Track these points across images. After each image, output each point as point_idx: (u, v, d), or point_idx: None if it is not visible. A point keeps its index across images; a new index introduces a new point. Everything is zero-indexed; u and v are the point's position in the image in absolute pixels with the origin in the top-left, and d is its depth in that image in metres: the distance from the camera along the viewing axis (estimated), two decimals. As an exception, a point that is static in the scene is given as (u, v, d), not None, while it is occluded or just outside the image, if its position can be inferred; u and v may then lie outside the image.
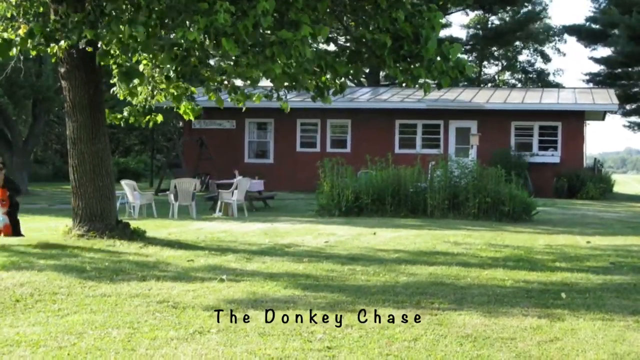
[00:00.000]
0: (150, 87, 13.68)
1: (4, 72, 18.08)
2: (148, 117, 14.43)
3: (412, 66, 10.90)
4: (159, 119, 14.54)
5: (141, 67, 13.02)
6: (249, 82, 11.85)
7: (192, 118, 14.60)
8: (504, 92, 34.46)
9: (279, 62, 9.94)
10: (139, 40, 9.98)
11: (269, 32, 9.98)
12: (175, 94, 13.51)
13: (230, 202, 19.92)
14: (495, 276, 10.09)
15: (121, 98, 13.86)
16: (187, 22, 9.79)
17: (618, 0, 45.87)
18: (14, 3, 11.31)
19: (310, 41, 10.40)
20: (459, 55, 10.91)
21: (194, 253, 11.78)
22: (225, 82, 12.89)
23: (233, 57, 10.49)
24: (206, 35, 9.46)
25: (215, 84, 12.76)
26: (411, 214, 19.02)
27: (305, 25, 9.85)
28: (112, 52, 11.49)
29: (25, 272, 9.77)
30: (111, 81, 12.95)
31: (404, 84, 11.46)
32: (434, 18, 10.61)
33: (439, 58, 10.73)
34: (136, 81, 13.02)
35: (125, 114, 14.24)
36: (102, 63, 11.91)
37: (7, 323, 7.05)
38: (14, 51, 11.70)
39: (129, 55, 11.33)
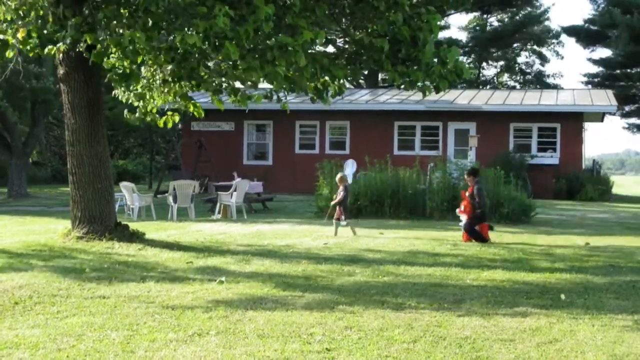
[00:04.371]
0: (154, 90, 13.69)
1: (3, 75, 18.08)
2: (165, 117, 14.39)
3: (409, 70, 10.89)
4: (176, 118, 14.43)
5: (143, 70, 13.03)
6: (248, 84, 11.86)
7: (202, 115, 14.59)
8: (502, 94, 34.48)
9: (281, 65, 9.95)
10: (137, 43, 9.97)
11: (268, 35, 9.97)
12: (183, 91, 13.49)
13: (229, 204, 19.92)
14: (495, 277, 10.09)
15: (123, 102, 13.85)
16: (187, 26, 9.79)
17: (617, 1, 45.93)
18: (12, 7, 11.32)
19: (310, 45, 10.41)
20: (457, 57, 10.90)
21: (193, 255, 11.78)
22: (225, 84, 12.89)
23: (231, 61, 10.49)
24: (206, 39, 9.46)
25: (214, 85, 12.77)
26: (410, 215, 19.02)
27: (306, 30, 9.85)
28: (110, 54, 11.48)
29: (24, 274, 9.77)
30: (111, 82, 12.95)
31: (402, 87, 11.43)
32: (433, 20, 10.61)
33: (436, 61, 10.73)
34: (134, 84, 13.02)
35: (138, 114, 14.23)
36: (100, 64, 11.89)
37: (6, 325, 7.05)
38: (11, 53, 11.70)
39: (129, 58, 11.31)
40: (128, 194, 19.71)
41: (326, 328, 6.99)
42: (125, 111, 14.14)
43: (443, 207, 18.95)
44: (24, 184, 29.64)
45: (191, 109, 14.13)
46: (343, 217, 15.45)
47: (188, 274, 10.07)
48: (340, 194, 15.54)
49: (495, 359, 6.12)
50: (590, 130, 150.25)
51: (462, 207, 14.77)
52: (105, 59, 11.55)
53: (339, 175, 16.13)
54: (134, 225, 13.99)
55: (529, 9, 52.83)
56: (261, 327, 7.01)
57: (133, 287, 9.05)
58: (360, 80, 43.85)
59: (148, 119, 14.23)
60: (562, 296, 8.71)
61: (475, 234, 14.43)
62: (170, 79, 12.50)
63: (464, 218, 14.67)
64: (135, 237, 13.02)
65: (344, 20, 12.76)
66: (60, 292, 8.69)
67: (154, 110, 14.10)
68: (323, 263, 11.15)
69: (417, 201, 19.31)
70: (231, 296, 8.56)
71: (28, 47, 11.24)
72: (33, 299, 8.30)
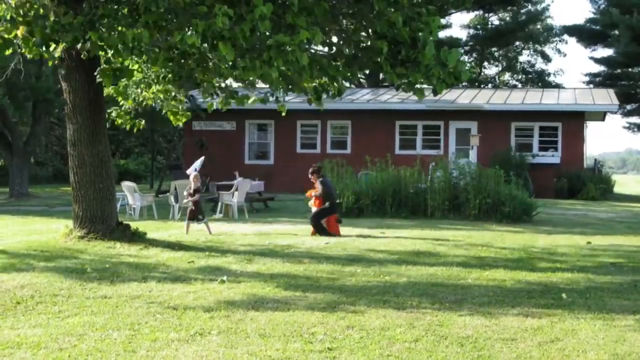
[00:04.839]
0: (142, 89, 13.78)
1: (4, 74, 18.08)
2: (133, 121, 14.62)
3: (409, 71, 10.88)
4: (141, 125, 14.75)
5: (135, 67, 13.09)
6: (247, 83, 11.87)
7: (180, 123, 14.76)
8: (504, 93, 34.44)
9: (276, 66, 9.94)
10: (139, 42, 9.97)
11: (267, 35, 9.98)
12: (165, 95, 13.64)
13: (230, 203, 19.92)
14: (496, 277, 10.09)
15: (106, 93, 13.95)
16: (186, 25, 9.79)
17: (617, 0, 45.88)
18: (13, 5, 11.31)
19: (306, 45, 10.40)
20: (458, 58, 10.87)
21: (194, 254, 11.79)
22: (222, 85, 12.92)
23: (230, 61, 10.49)
24: (204, 39, 9.46)
25: (214, 87, 12.81)
26: (412, 215, 19.03)
27: (303, 30, 9.84)
28: (107, 52, 11.48)
29: (25, 274, 9.78)
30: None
31: (401, 88, 11.42)
32: (432, 22, 10.59)
33: (435, 63, 10.71)
34: (124, 80, 13.09)
35: (113, 114, 14.36)
36: (99, 65, 11.90)
37: (7, 325, 7.06)
38: (10, 50, 11.68)
39: (124, 57, 11.31)
40: (129, 194, 19.72)
41: (328, 327, 6.99)
42: (112, 109, 14.26)
43: (444, 207, 18.96)
44: (25, 184, 29.63)
45: (174, 118, 14.31)
46: (200, 216, 15.56)
47: (189, 274, 10.07)
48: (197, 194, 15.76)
49: (496, 358, 6.12)
50: (592, 129, 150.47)
51: (313, 201, 15.72)
52: (101, 53, 11.56)
53: (194, 174, 16.17)
54: (135, 225, 13.99)
55: (529, 7, 52.78)
56: (263, 326, 7.01)
57: (134, 286, 9.05)
58: (362, 80, 43.82)
59: (118, 122, 14.43)
60: (564, 295, 8.71)
61: (320, 227, 15.14)
62: (170, 76, 12.54)
63: (314, 209, 15.56)
64: (137, 237, 13.02)
65: (344, 21, 12.75)
66: (62, 291, 8.70)
67: (142, 104, 14.25)
68: (324, 263, 11.15)
69: (418, 200, 19.31)
70: (233, 296, 8.56)
71: (29, 48, 11.23)
72: (35, 298, 8.30)
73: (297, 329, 6.91)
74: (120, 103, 14.15)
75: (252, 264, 11.09)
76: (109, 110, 14.50)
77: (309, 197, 16.20)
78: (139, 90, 13.88)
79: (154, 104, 14.48)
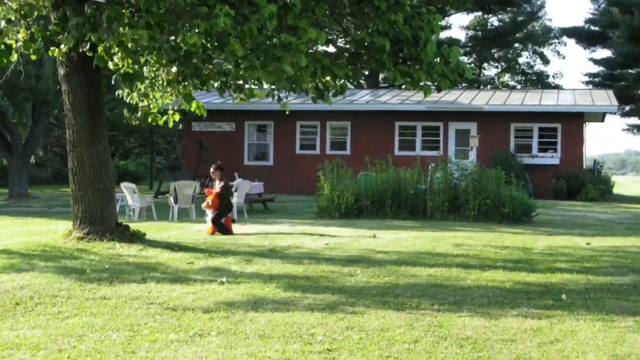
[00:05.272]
0: (157, 89, 13.75)
1: (3, 75, 18.10)
2: (166, 116, 14.52)
3: (411, 69, 10.88)
4: (177, 117, 14.64)
5: (145, 70, 13.07)
6: (250, 84, 11.86)
7: (204, 114, 14.70)
8: (503, 94, 34.46)
9: (286, 63, 9.96)
10: (142, 43, 9.97)
11: (268, 34, 9.98)
12: (186, 91, 13.56)
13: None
14: (495, 278, 10.09)
15: (127, 102, 13.92)
16: (188, 26, 9.81)
17: (617, 0, 45.92)
18: (14, 7, 11.31)
19: (313, 45, 10.42)
20: (459, 56, 10.90)
21: (193, 255, 11.79)
22: (229, 83, 12.92)
23: (233, 60, 10.49)
24: (208, 39, 9.47)
25: (218, 84, 12.81)
26: (411, 215, 19.02)
27: (309, 29, 9.85)
28: (112, 56, 11.47)
29: (25, 274, 9.78)
30: (112, 83, 13.01)
31: (403, 87, 11.42)
32: (433, 20, 10.61)
33: (438, 60, 10.73)
34: (138, 84, 13.08)
35: (141, 114, 14.32)
36: (100, 66, 11.91)
37: (7, 326, 7.05)
38: (15, 56, 11.70)
39: (132, 57, 11.30)
40: (129, 195, 19.71)
41: (327, 328, 6.99)
42: (125, 110, 14.23)
43: (444, 208, 18.96)
44: (24, 185, 29.62)
45: (193, 108, 14.18)
46: None
47: (189, 275, 10.07)
48: None
49: (496, 359, 6.12)
50: (591, 130, 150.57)
51: (209, 202, 15.92)
52: (109, 61, 11.55)
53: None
54: (134, 226, 14.00)
55: (527, 7, 52.87)
56: (262, 327, 7.01)
57: (134, 287, 9.04)
58: (361, 81, 43.85)
59: (149, 119, 14.31)
60: (563, 296, 8.71)
61: (221, 226, 15.65)
62: (174, 78, 12.53)
63: (210, 212, 15.89)
64: (136, 238, 13.02)
65: (344, 20, 12.76)
66: (61, 292, 8.70)
67: (156, 110, 14.19)
68: (324, 263, 11.15)
69: (418, 201, 19.30)
70: (232, 297, 8.56)
71: (31, 50, 11.24)
72: (34, 299, 8.30)
73: (296, 330, 6.91)
74: (148, 102, 14.12)
75: (251, 264, 11.09)
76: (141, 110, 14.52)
77: (207, 201, 16.38)
78: (158, 92, 13.88)
79: (175, 101, 14.42)
